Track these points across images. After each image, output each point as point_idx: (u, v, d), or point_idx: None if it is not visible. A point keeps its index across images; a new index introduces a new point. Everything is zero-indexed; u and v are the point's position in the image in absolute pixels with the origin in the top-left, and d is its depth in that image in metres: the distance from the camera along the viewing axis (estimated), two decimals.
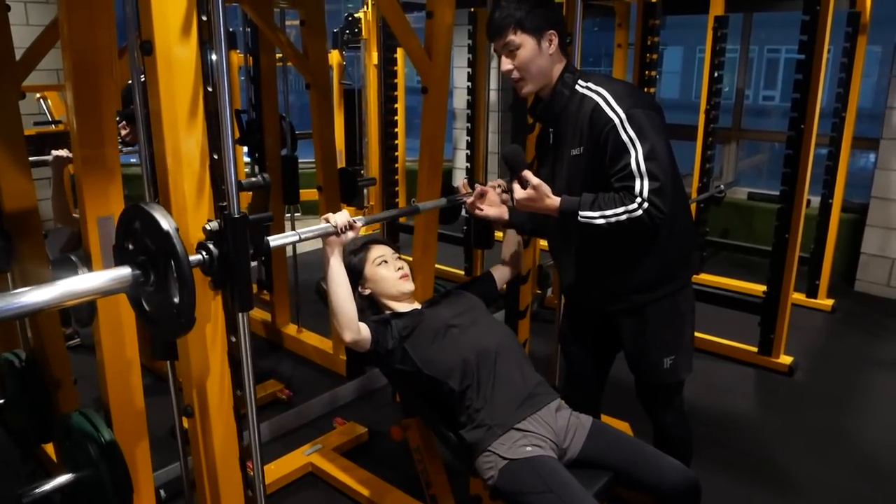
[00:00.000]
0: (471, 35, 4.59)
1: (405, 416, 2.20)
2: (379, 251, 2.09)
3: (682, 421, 2.09)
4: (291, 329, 3.70)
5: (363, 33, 5.68)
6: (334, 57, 6.01)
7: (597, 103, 1.74)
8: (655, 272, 1.87)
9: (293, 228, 3.65)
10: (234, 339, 1.61)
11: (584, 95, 1.79)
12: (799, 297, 4.26)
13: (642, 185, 1.66)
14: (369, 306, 2.07)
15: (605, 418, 2.28)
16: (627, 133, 1.68)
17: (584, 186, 1.78)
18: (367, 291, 2.06)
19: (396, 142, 5.16)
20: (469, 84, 4.68)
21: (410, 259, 2.78)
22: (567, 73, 1.85)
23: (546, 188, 1.75)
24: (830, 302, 4.32)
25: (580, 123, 1.78)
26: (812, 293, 4.34)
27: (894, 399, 3.30)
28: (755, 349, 3.54)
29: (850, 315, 4.31)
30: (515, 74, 1.84)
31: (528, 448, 1.74)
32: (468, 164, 4.76)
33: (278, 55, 3.59)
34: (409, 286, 2.04)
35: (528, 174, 1.75)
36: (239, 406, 1.68)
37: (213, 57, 1.40)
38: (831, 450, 2.84)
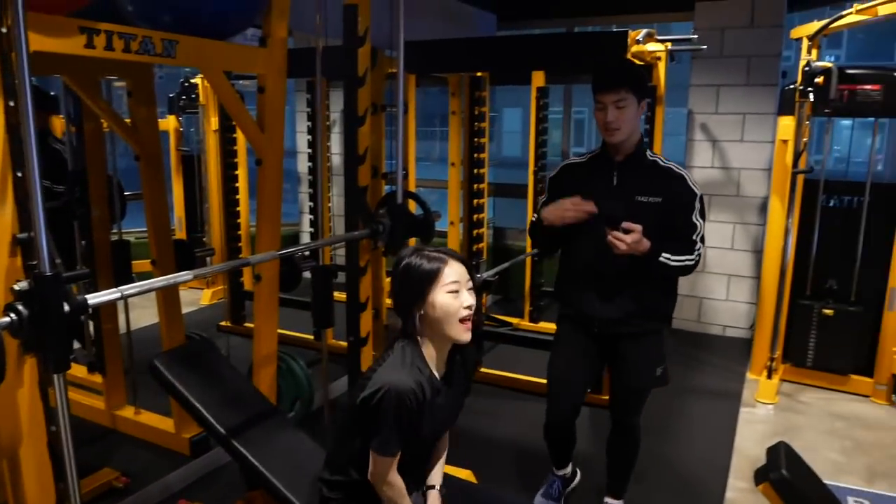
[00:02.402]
0: (310, 103, 4.70)
1: (249, 489, 2.18)
2: (455, 272, 1.70)
3: (640, 424, 2.64)
4: (128, 411, 3.50)
5: (200, 99, 5.62)
6: (170, 122, 5.89)
7: (683, 176, 2.29)
8: (666, 308, 2.46)
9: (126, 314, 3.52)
10: (53, 429, 1.56)
11: (660, 163, 2.32)
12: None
13: (699, 245, 2.28)
14: (405, 322, 1.74)
15: (449, 469, 2.37)
16: (700, 206, 2.29)
17: (645, 226, 2.21)
18: (421, 313, 1.71)
19: (238, 208, 5.11)
20: (310, 150, 4.78)
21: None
22: (642, 141, 2.35)
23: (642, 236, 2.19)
24: None
25: (660, 182, 2.27)
26: None
27: (704, 422, 3.71)
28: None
29: (668, 350, 4.72)
30: (616, 125, 2.23)
31: None
32: (311, 229, 4.81)
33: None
34: (467, 336, 1.71)
35: (631, 224, 2.16)
36: (63, 500, 1.61)
37: (22, 141, 1.39)
38: (654, 475, 3.11)
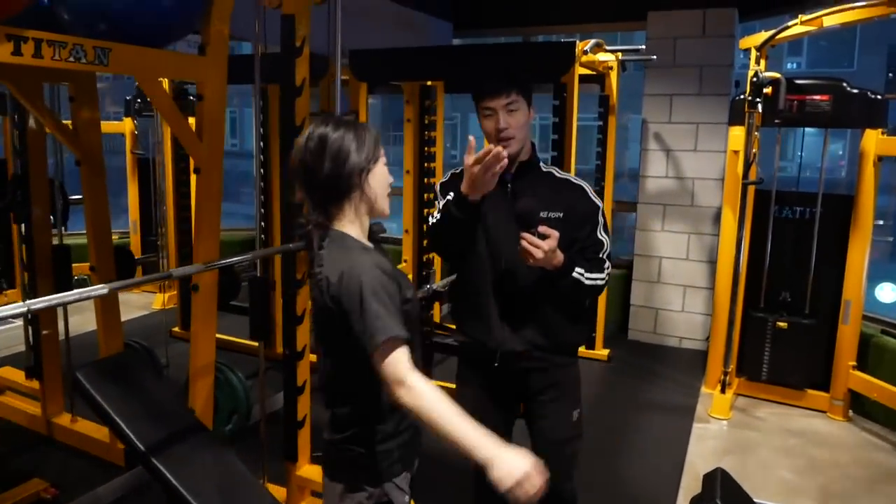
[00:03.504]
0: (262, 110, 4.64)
1: None
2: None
3: (574, 487, 2.26)
4: (65, 419, 3.41)
5: None
6: (126, 125, 5.81)
7: (583, 188, 2.09)
8: (576, 338, 2.24)
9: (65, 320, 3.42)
10: None
11: (555, 174, 2.11)
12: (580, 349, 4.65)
13: (608, 267, 2.07)
14: (331, 207, 1.54)
15: None
16: (603, 220, 2.09)
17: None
18: (359, 191, 1.53)
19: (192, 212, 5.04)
20: (261, 157, 4.70)
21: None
22: (534, 151, 2.10)
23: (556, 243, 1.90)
24: (606, 352, 4.75)
25: (559, 195, 2.05)
26: (590, 345, 4.74)
27: (656, 438, 3.69)
28: None
29: (623, 362, 4.76)
30: (510, 133, 1.97)
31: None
32: (262, 236, 4.72)
33: None
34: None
35: (548, 229, 1.88)
36: None
37: None
38: (603, 491, 3.08)
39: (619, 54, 4.22)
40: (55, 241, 3.51)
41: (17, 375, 3.76)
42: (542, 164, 2.13)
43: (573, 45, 3.42)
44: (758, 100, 3.78)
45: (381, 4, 4.84)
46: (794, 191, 4.25)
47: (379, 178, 1.55)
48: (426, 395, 1.35)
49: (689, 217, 4.87)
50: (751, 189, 4.01)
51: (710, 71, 4.63)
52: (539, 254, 1.86)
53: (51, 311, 3.47)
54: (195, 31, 2.75)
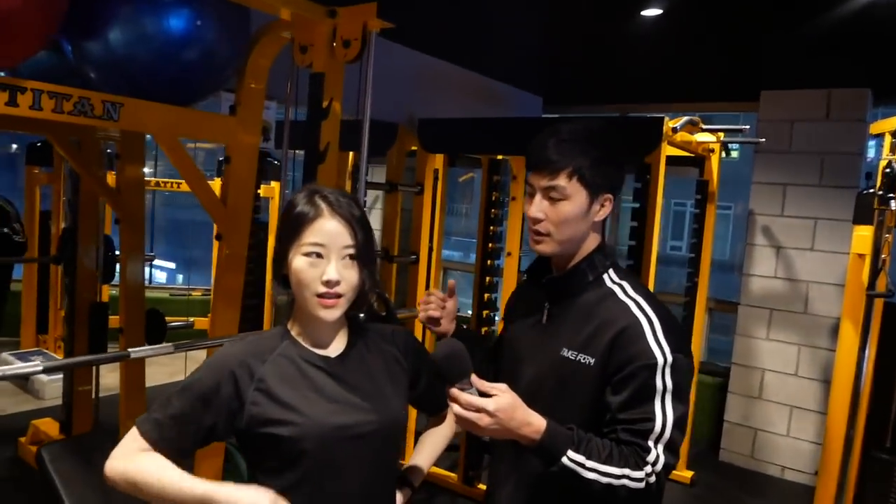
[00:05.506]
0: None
1: None
2: (324, 231, 1.24)
3: None
4: None
5: None
6: (216, 185, 5.90)
7: (640, 324, 1.32)
8: None
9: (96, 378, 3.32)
10: None
11: (619, 300, 1.37)
12: None
13: (658, 456, 1.26)
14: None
15: None
16: (665, 382, 1.28)
17: (562, 400, 1.35)
18: (284, 272, 1.29)
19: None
20: None
21: None
22: (598, 253, 1.43)
23: (519, 399, 1.24)
24: (689, 474, 4.06)
25: (597, 329, 1.35)
26: None
27: None
28: None
29: (710, 489, 4.06)
30: (544, 227, 1.38)
31: None
32: None
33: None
34: (326, 315, 1.25)
35: (482, 382, 1.23)
36: None
37: None
38: None
39: (721, 135, 3.73)
40: (103, 296, 3.48)
41: (54, 428, 3.69)
42: (608, 275, 1.42)
43: (660, 121, 3.01)
44: (890, 195, 3.16)
45: (470, 78, 4.67)
46: None
47: (293, 270, 1.25)
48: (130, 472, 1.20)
49: (801, 326, 4.17)
50: (878, 302, 3.34)
51: (833, 159, 4.01)
52: (466, 415, 1.20)
53: (87, 368, 3.40)
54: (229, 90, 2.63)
